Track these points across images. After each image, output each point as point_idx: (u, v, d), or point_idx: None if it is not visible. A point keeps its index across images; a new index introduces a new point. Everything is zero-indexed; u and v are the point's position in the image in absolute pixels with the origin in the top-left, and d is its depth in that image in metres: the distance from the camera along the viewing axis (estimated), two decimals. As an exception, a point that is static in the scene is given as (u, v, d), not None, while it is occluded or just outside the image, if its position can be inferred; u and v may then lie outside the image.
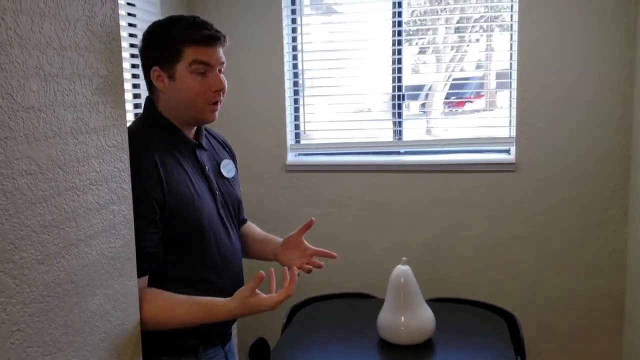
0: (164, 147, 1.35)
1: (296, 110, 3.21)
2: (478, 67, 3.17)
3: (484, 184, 2.90)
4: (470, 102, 3.35)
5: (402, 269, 2.00)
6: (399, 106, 3.07)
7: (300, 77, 3.16)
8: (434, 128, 3.27)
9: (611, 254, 2.80)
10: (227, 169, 1.53)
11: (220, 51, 1.39)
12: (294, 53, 3.15)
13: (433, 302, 2.03)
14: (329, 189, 3.09)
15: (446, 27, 3.17)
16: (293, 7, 3.10)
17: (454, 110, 3.35)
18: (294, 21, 3.12)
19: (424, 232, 3.00)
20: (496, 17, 3.02)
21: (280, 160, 3.14)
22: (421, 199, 2.98)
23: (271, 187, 3.16)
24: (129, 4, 2.73)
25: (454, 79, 3.29)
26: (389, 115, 3.13)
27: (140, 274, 1.24)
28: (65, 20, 0.97)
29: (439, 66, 3.30)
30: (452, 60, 3.25)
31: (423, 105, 3.31)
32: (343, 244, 3.11)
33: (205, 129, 1.57)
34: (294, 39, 3.13)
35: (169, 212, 1.30)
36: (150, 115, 1.40)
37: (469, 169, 2.91)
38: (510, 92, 2.91)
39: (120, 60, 1.12)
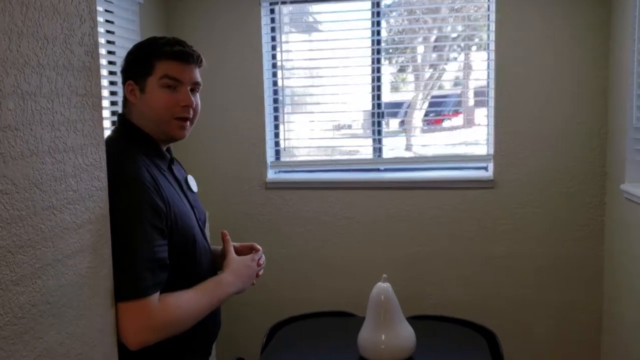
0: (148, 160, 1.35)
1: (276, 127, 3.22)
2: (456, 84, 3.22)
3: (463, 201, 2.93)
4: (449, 119, 3.38)
5: (382, 287, 1.99)
6: (379, 123, 3.09)
7: (281, 94, 3.17)
8: (414, 145, 3.30)
9: (588, 270, 2.84)
10: (193, 183, 1.54)
11: (195, 71, 1.40)
12: (274, 70, 3.16)
13: (413, 320, 2.03)
14: (309, 206, 3.09)
15: (425, 46, 3.22)
16: (273, 25, 3.12)
17: (432, 127, 3.38)
18: (273, 39, 3.14)
19: (404, 249, 3.01)
20: (473, 36, 3.07)
21: (260, 178, 3.14)
22: (401, 216, 3.00)
23: (251, 204, 3.15)
24: (107, 21, 2.72)
25: (432, 97, 3.33)
26: (369, 133, 3.15)
27: (157, 289, 1.24)
28: (43, 38, 0.96)
29: (417, 84, 3.35)
30: (430, 78, 3.29)
31: (402, 122, 3.34)
32: (323, 262, 3.10)
33: None
34: (274, 57, 3.15)
35: (170, 225, 1.30)
36: (128, 128, 1.39)
37: (447, 185, 2.94)
38: (488, 109, 2.96)
39: (98, 79, 1.11)
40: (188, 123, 1.38)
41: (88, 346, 1.08)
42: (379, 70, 3.06)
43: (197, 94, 1.42)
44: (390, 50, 3.16)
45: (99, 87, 1.14)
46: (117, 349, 1.18)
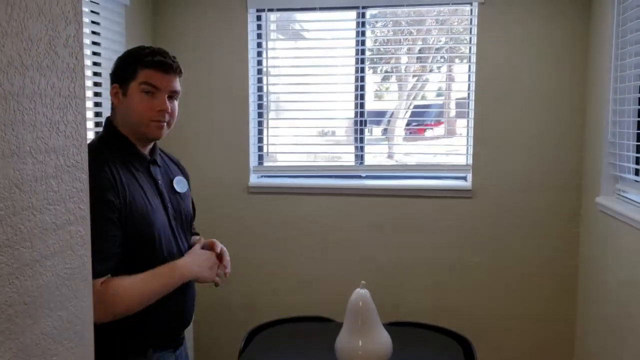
0: (120, 160, 1.47)
1: (260, 132, 3.23)
2: (439, 95, 3.26)
3: (442, 210, 2.96)
4: (431, 129, 3.43)
5: (361, 293, 2.01)
6: (361, 131, 3.12)
7: (265, 99, 3.18)
8: (396, 154, 3.33)
9: (563, 281, 2.89)
10: (180, 185, 1.64)
11: (174, 80, 1.51)
12: (259, 76, 3.17)
13: (390, 326, 2.04)
14: (291, 211, 3.10)
15: (408, 56, 3.26)
16: (259, 32, 3.13)
17: (414, 136, 3.43)
18: (259, 45, 3.15)
19: (383, 256, 3.03)
20: (456, 48, 3.12)
21: (242, 182, 3.14)
22: (381, 223, 3.02)
23: (233, 208, 3.15)
24: (93, 22, 2.71)
25: (415, 106, 3.37)
26: (352, 140, 3.18)
27: (101, 275, 1.33)
28: (27, 39, 0.96)
29: (400, 93, 3.38)
30: (413, 88, 3.33)
31: (385, 130, 3.38)
32: (302, 267, 3.11)
33: (161, 150, 1.69)
34: (260, 62, 3.16)
35: (124, 219, 1.39)
36: (109, 131, 1.52)
37: (427, 194, 2.97)
38: (468, 120, 3.00)
39: (83, 80, 1.12)
40: (165, 124, 1.51)
41: (64, 347, 1.08)
42: (362, 79, 3.09)
43: (175, 101, 1.54)
44: (375, 60, 3.20)
45: (83, 89, 1.14)
46: (93, 349, 1.18)
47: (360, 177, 3.13)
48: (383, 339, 1.95)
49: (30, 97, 0.97)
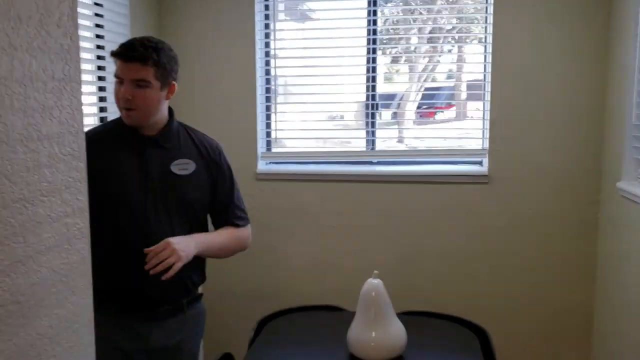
0: (118, 136, 1.66)
1: (268, 117, 3.15)
2: (450, 77, 3.16)
3: (457, 196, 2.88)
4: (442, 112, 3.34)
5: (373, 283, 1.94)
6: (372, 115, 3.03)
7: (273, 83, 3.10)
8: (406, 138, 3.24)
9: (581, 268, 2.80)
10: (180, 166, 1.70)
11: (138, 69, 1.58)
12: (267, 59, 3.09)
13: (404, 316, 1.98)
14: (300, 198, 3.03)
15: (419, 37, 3.15)
16: (267, 12, 3.04)
17: (424, 120, 3.34)
18: (267, 26, 3.06)
19: (396, 244, 2.96)
20: (468, 28, 3.01)
21: (250, 169, 3.07)
22: (393, 210, 2.94)
23: (242, 197, 3.07)
24: (96, 3, 2.63)
25: (425, 89, 3.28)
26: (362, 124, 3.09)
27: None
28: (15, 18, 0.89)
29: (411, 75, 3.28)
30: (424, 70, 3.23)
31: (395, 114, 3.28)
32: (313, 255, 3.05)
33: (192, 132, 1.80)
34: (267, 45, 3.07)
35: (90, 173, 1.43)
36: (118, 117, 1.71)
37: (441, 180, 2.89)
38: (483, 103, 2.90)
39: (78, 62, 1.04)
40: (132, 112, 1.61)
41: (61, 348, 1.02)
42: (374, 60, 2.99)
43: (147, 89, 1.60)
44: (385, 41, 3.09)
45: (78, 71, 1.07)
46: (94, 349, 1.12)
47: (371, 163, 3.05)
48: (397, 330, 1.89)
49: (20, 81, 0.89)
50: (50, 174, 0.98)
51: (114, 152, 1.65)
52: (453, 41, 3.11)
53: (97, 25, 2.67)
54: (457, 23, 3.00)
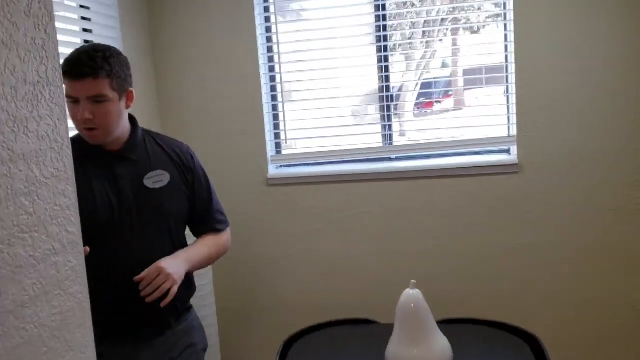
0: (79, 156, 1.45)
1: (275, 118, 2.94)
2: (452, 65, 2.94)
3: (485, 189, 2.67)
4: (439, 102, 3.16)
5: (412, 294, 1.74)
6: (388, 108, 2.82)
7: (278, 82, 2.88)
8: (409, 131, 3.03)
9: (627, 258, 2.58)
10: (154, 179, 1.58)
11: (90, 84, 1.44)
12: (270, 55, 2.88)
13: (443, 325, 1.80)
14: (316, 202, 2.83)
15: (433, 20, 2.94)
16: (266, 4, 2.83)
17: (427, 111, 3.13)
18: (268, 19, 2.85)
19: (423, 244, 2.75)
20: (484, 9, 2.79)
21: (260, 174, 2.86)
22: (417, 208, 2.73)
23: (252, 203, 2.88)
24: (82, 6, 2.42)
25: (425, 79, 3.08)
26: (377, 119, 2.88)
27: None
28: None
29: (409, 66, 3.06)
30: (423, 57, 3.03)
31: (395, 107, 3.07)
32: (333, 263, 2.84)
33: (159, 139, 1.66)
34: (269, 39, 2.87)
35: None
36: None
37: (467, 172, 2.68)
38: (507, 86, 2.69)
39: (57, 62, 0.83)
40: (95, 131, 1.48)
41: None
42: (385, 49, 2.78)
43: (106, 103, 1.47)
44: (394, 27, 2.88)
45: (58, 72, 0.86)
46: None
47: (390, 159, 2.84)
48: (441, 346, 1.69)
49: (-22, 86, 0.69)
50: (29, 203, 0.77)
51: (79, 173, 1.51)
52: (446, 30, 2.89)
53: (85, 30, 2.46)
54: (451, 12, 2.79)
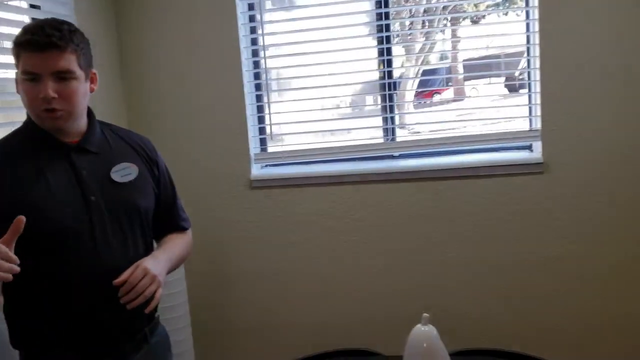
0: (31, 151, 1.36)
1: (260, 110, 2.56)
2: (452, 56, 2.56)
3: (504, 192, 2.30)
4: (438, 94, 2.81)
5: (424, 331, 1.42)
6: (390, 99, 2.44)
7: (263, 67, 2.50)
8: (409, 124, 2.66)
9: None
10: (122, 173, 1.45)
11: (57, 58, 1.30)
12: (253, 36, 2.50)
13: (457, 357, 1.54)
14: (306, 208, 2.47)
15: (444, 5, 2.55)
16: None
17: (427, 101, 2.77)
18: (251, 7, 2.47)
19: (432, 257, 2.38)
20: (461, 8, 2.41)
21: (242, 175, 2.51)
22: (424, 214, 2.37)
23: (233, 208, 2.52)
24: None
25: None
26: (377, 112, 2.50)
27: None
28: None
29: (421, 51, 2.69)
30: (422, 50, 2.66)
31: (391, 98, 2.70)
32: (328, 279, 2.49)
33: (117, 130, 1.53)
34: (252, 18, 2.50)
35: (5, 215, 1.21)
36: (26, 120, 1.40)
37: (482, 173, 2.31)
38: (529, 72, 2.31)
39: None
40: (58, 113, 1.32)
41: None
42: (387, 39, 2.39)
43: (73, 81, 1.33)
44: (395, 14, 2.49)
45: None
46: None
47: (392, 157, 2.47)
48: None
49: None
50: None
51: (33, 171, 1.34)
52: (445, 20, 2.51)
53: (33, 6, 2.09)
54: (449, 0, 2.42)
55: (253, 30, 2.51)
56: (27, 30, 1.29)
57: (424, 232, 2.37)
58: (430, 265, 2.38)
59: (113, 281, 1.30)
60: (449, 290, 2.37)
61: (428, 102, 2.87)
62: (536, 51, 2.23)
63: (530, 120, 2.33)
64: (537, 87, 2.25)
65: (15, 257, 1.16)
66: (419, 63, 2.68)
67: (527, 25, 2.29)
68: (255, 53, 2.52)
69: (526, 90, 2.38)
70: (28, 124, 1.38)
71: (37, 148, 1.35)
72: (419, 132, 2.52)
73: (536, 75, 2.25)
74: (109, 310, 1.34)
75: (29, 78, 1.29)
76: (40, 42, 1.27)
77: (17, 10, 2.08)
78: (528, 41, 2.30)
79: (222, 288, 2.57)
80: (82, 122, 1.41)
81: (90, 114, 1.45)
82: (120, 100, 2.52)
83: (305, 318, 2.50)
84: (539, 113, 2.26)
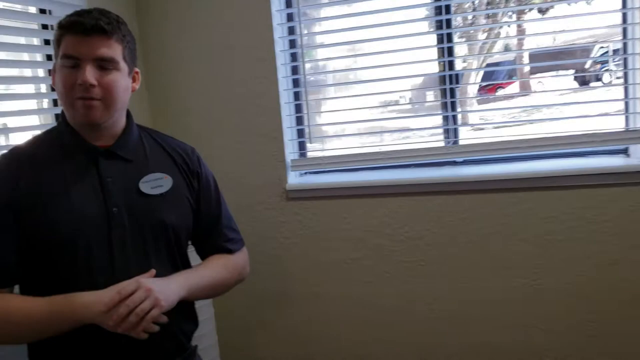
0: (50, 155, 1.27)
1: (298, 110, 2.23)
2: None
3: (592, 206, 1.88)
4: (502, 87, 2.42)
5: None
6: (452, 94, 2.06)
7: (299, 60, 2.17)
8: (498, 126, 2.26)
9: None
10: (152, 183, 1.33)
11: (100, 44, 1.21)
12: (290, 25, 2.17)
13: None
14: (353, 223, 2.12)
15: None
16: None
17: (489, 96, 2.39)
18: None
19: (502, 284, 1.98)
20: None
21: (277, 184, 2.18)
22: (494, 232, 1.98)
23: (266, 222, 2.19)
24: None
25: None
26: (436, 111, 2.13)
27: None
28: None
29: (472, 49, 2.30)
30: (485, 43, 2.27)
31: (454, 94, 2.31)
32: (375, 308, 2.13)
33: (158, 137, 1.42)
34: (290, 18, 2.18)
35: (22, 221, 1.20)
36: (59, 121, 1.34)
37: (566, 183, 1.90)
38: (626, 59, 1.89)
39: None
40: (95, 102, 1.22)
41: None
42: (448, 24, 2.02)
43: (113, 72, 1.24)
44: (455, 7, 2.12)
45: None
46: None
47: (454, 163, 2.09)
48: None
49: None
50: None
51: (56, 176, 1.25)
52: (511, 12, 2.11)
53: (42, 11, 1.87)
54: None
55: (290, 17, 2.18)
56: (74, 13, 1.23)
57: (492, 254, 1.98)
58: (500, 292, 1.98)
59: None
60: (527, 329, 1.96)
61: (491, 97, 2.48)
62: (635, 32, 1.81)
63: (627, 118, 1.91)
64: (636, 77, 1.83)
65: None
66: (484, 53, 2.28)
67: (624, 1, 1.88)
68: (292, 44, 2.19)
69: (599, 83, 1.96)
70: (60, 124, 1.31)
71: (65, 152, 1.28)
72: (482, 129, 2.13)
73: (635, 62, 1.83)
74: (127, 336, 1.17)
75: (69, 64, 1.21)
76: (87, 24, 1.20)
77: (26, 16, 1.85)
78: (624, 20, 1.87)
79: (252, 312, 2.26)
80: (119, 123, 1.32)
81: (128, 116, 1.36)
82: (142, 102, 2.24)
83: (345, 352, 2.15)
84: (639, 109, 1.83)
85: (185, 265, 1.40)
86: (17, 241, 1.19)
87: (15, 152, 1.27)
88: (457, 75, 2.06)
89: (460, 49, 2.15)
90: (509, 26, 2.24)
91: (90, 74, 1.20)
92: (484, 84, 2.40)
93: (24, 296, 1.22)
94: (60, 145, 1.28)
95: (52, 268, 1.21)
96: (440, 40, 2.05)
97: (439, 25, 2.04)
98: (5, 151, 1.27)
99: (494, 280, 1.98)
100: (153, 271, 1.22)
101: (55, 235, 1.20)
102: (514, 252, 1.96)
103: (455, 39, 2.08)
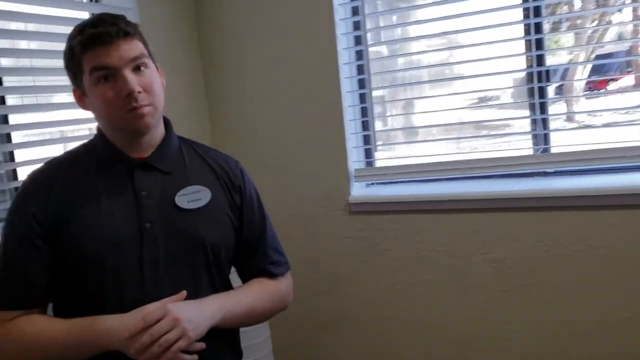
0: (86, 169, 1.24)
1: (363, 114, 2.03)
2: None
3: None
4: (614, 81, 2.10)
5: None
6: (540, 94, 1.79)
7: (364, 58, 1.97)
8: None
9: None
10: (190, 197, 1.26)
11: (125, 46, 1.17)
12: (355, 19, 1.98)
13: None
14: (425, 240, 1.91)
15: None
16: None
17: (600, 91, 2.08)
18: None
19: (601, 318, 1.68)
20: None
21: (340, 196, 2.01)
22: (592, 256, 1.69)
23: (328, 238, 2.04)
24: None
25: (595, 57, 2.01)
26: (521, 113, 1.87)
27: (13, 305, 1.16)
28: None
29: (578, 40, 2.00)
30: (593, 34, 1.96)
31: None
32: (449, 336, 1.91)
33: (199, 148, 1.36)
34: (355, 12, 2.01)
35: (52, 239, 1.17)
36: (95, 136, 1.29)
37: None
38: None
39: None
40: (145, 109, 1.18)
41: None
42: (536, 3, 1.75)
43: (146, 69, 1.20)
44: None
45: None
46: None
47: (544, 174, 1.83)
48: None
49: None
50: None
51: (88, 189, 1.23)
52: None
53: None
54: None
55: (355, 11, 1.99)
56: (84, 26, 1.18)
57: (592, 279, 1.70)
58: (596, 328, 1.69)
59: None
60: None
61: (602, 91, 2.15)
62: None
63: None
64: None
65: None
66: (588, 52, 1.99)
67: None
68: (357, 40, 1.99)
69: None
70: (95, 136, 1.28)
71: (99, 163, 1.25)
72: (591, 145, 1.82)
73: None
74: None
75: (103, 75, 1.16)
76: (111, 31, 1.16)
77: (74, 5, 1.78)
78: None
79: (311, 336, 2.09)
80: (158, 131, 1.27)
81: (167, 125, 1.31)
82: (200, 108, 2.14)
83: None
84: None
85: (226, 288, 1.33)
86: (46, 260, 1.16)
87: (53, 162, 1.26)
88: (547, 71, 1.79)
89: (551, 37, 1.87)
90: (620, 11, 1.93)
91: (132, 80, 1.16)
92: (591, 79, 2.08)
93: (51, 318, 1.19)
94: (97, 159, 1.25)
95: (82, 284, 1.19)
96: (526, 31, 1.78)
97: (526, 13, 1.78)
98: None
99: (590, 314, 1.69)
100: (184, 293, 1.14)
101: (83, 250, 1.17)
102: (618, 278, 1.66)
103: (547, 29, 1.80)
